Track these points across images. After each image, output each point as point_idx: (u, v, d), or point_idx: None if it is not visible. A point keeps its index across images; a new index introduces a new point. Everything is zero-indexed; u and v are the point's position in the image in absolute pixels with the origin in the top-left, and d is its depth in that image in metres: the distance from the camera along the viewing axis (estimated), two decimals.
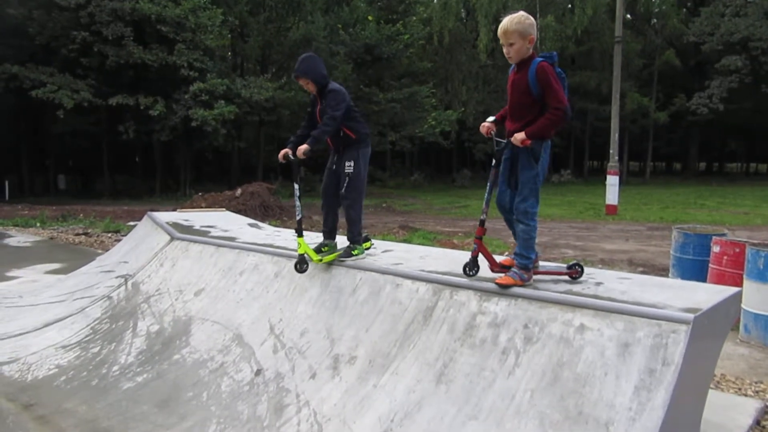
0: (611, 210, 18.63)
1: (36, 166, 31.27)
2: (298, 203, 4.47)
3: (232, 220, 7.04)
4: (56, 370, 4.48)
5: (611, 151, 19.48)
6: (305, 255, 4.37)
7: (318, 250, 4.50)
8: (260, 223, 7.10)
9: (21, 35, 24.62)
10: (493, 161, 3.68)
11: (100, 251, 9.94)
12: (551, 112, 3.41)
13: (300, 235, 4.41)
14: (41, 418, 3.82)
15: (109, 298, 5.42)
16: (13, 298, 6.29)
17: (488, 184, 3.70)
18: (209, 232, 6.09)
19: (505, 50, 3.51)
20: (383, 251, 4.85)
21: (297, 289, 4.40)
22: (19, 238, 12.14)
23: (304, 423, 3.29)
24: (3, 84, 23.90)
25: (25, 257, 9.73)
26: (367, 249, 4.74)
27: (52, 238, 12.17)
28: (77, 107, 24.01)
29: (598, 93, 39.99)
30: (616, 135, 19.69)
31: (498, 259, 3.86)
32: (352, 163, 4.49)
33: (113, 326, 4.96)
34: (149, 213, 6.96)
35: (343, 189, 4.49)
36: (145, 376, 4.17)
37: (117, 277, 5.79)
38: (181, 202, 18.86)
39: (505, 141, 3.59)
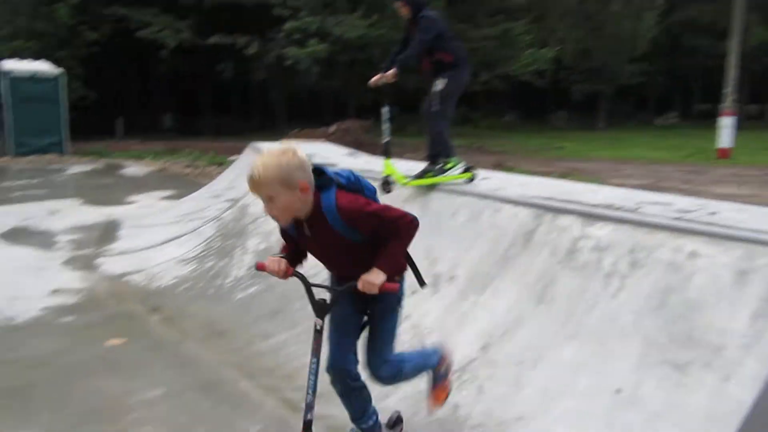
0: (724, 154, 17.32)
1: (143, 106, 33.16)
2: (386, 125, 4.54)
3: (332, 150, 7.24)
4: (176, 280, 4.90)
5: (726, 90, 17.98)
6: (390, 176, 4.49)
7: (420, 176, 4.57)
8: (358, 152, 7.25)
9: None
10: None
11: (206, 181, 10.55)
12: None
13: (387, 156, 4.51)
14: (167, 319, 4.23)
15: (220, 219, 5.80)
16: (136, 219, 6.86)
17: None
18: (310, 159, 6.30)
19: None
20: (482, 179, 4.84)
21: None
22: (134, 170, 13.12)
23: (405, 334, 3.44)
24: (112, 26, 25.20)
25: (140, 186, 10.54)
26: (471, 180, 4.73)
27: (162, 170, 13.05)
28: (179, 48, 25.00)
29: (712, 28, 36.58)
30: (735, 72, 18.09)
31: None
32: (441, 81, 4.53)
33: (225, 244, 5.32)
34: (253, 144, 7.28)
35: (431, 107, 4.55)
36: (255, 288, 4.48)
37: (226, 201, 6.16)
38: (277, 140, 19.46)
39: None
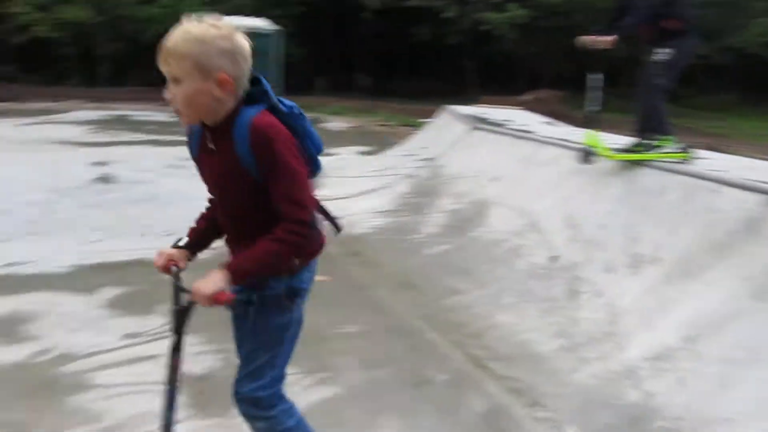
0: None
1: (341, 65, 35.01)
2: (594, 93, 4.33)
3: (528, 117, 7.09)
4: (372, 229, 5.23)
5: None
6: (592, 148, 4.28)
7: (628, 150, 4.30)
8: (555, 121, 7.01)
9: None
10: None
11: (398, 140, 10.95)
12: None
13: (592, 127, 4.35)
14: (364, 264, 4.57)
15: (414, 177, 6.02)
16: (337, 170, 7.39)
17: None
18: (506, 125, 6.24)
19: None
20: (700, 158, 4.42)
21: (597, 185, 4.32)
22: (334, 124, 14.10)
23: (599, 311, 3.33)
24: None
25: (340, 139, 11.31)
26: (685, 159, 4.34)
27: (358, 127, 13.84)
28: (379, 10, 25.85)
29: None
30: None
31: None
32: (666, 51, 4.12)
33: (417, 201, 5.53)
34: (447, 107, 7.38)
35: (650, 78, 4.19)
36: (446, 246, 4.62)
37: (420, 160, 6.36)
38: (468, 105, 19.48)
39: None
